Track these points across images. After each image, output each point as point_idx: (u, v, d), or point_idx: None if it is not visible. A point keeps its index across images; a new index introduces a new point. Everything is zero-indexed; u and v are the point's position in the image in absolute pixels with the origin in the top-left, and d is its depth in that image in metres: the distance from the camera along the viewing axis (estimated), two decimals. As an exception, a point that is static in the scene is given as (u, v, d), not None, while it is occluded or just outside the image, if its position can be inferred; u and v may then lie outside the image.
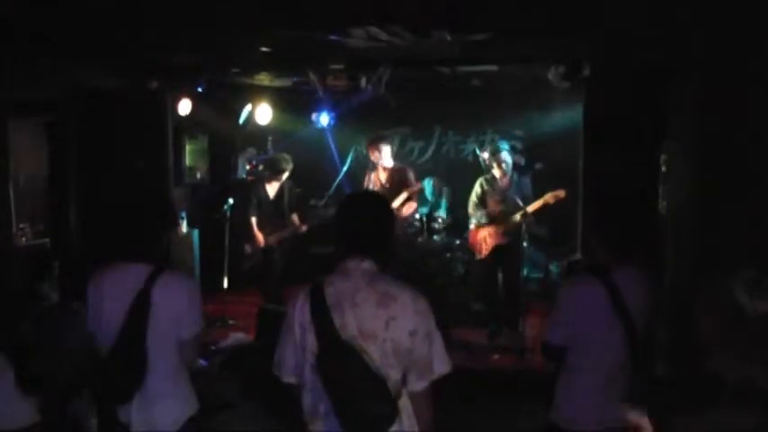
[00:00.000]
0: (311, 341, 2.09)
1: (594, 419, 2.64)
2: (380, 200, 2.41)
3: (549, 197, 5.76)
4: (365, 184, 6.43)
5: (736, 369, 1.42)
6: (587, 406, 2.66)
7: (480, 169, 6.37)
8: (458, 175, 7.43)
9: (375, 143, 6.30)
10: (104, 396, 2.68)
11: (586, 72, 5.29)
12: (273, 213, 6.54)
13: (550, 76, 5.52)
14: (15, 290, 3.14)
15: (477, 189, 6.21)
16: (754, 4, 3.40)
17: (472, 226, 6.29)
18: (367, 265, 2.16)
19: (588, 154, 5.35)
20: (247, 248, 6.55)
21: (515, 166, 6.21)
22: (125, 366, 2.54)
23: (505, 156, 6.05)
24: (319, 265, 7.03)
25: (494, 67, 5.95)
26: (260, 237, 6.46)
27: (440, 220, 7.02)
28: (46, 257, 3.34)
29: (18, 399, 2.81)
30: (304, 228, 6.53)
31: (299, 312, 2.14)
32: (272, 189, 6.57)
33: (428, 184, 6.94)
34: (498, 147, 6.15)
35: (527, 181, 6.19)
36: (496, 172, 6.05)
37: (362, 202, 2.42)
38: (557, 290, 2.83)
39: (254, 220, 6.48)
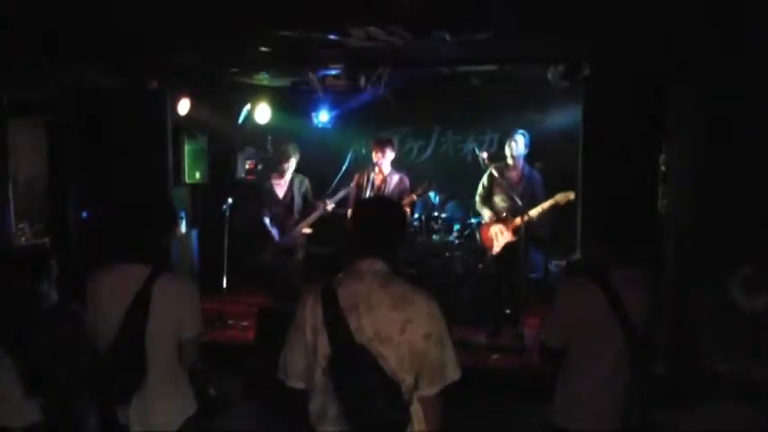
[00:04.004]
0: (323, 344, 2.06)
1: (594, 420, 2.64)
2: (394, 204, 2.49)
3: (560, 197, 5.69)
4: (356, 182, 6.37)
5: (732, 364, 1.43)
6: (587, 406, 2.66)
7: (479, 168, 6.36)
8: (457, 175, 7.42)
9: (381, 145, 6.18)
10: (103, 396, 2.68)
11: (586, 72, 5.29)
12: (286, 214, 6.52)
13: (550, 76, 5.52)
14: (14, 290, 3.14)
15: (484, 181, 6.15)
16: (754, 5, 3.41)
17: (482, 220, 6.26)
18: (379, 266, 2.14)
19: (588, 154, 5.36)
20: (265, 256, 6.46)
21: (527, 159, 6.10)
22: (123, 367, 2.54)
23: (518, 137, 5.96)
24: (319, 265, 7.00)
25: (493, 67, 5.95)
26: (275, 233, 6.41)
27: (439, 221, 7.02)
28: (45, 257, 3.34)
29: (21, 397, 2.81)
30: (330, 207, 6.37)
31: (311, 315, 2.11)
32: (280, 188, 6.54)
33: (434, 197, 6.93)
34: (514, 134, 6.02)
35: (538, 177, 6.09)
36: (508, 158, 5.99)
37: (377, 205, 2.49)
38: (556, 290, 2.83)
39: (267, 220, 6.43)
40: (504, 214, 5.99)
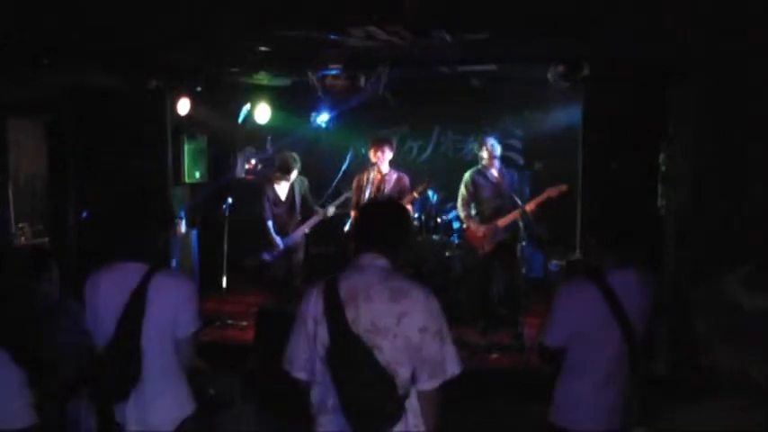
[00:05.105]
0: (323, 335, 2.11)
1: (594, 420, 2.64)
2: (397, 204, 2.59)
3: (551, 191, 5.79)
4: (356, 183, 6.38)
5: (732, 363, 1.43)
6: (587, 406, 2.66)
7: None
8: (456, 175, 7.41)
9: (380, 144, 6.23)
10: (101, 395, 2.68)
11: (586, 72, 5.30)
12: (289, 214, 6.52)
13: (550, 75, 5.53)
14: (14, 289, 3.14)
15: (467, 183, 6.25)
16: (754, 5, 3.41)
17: (465, 224, 6.33)
18: (381, 262, 2.20)
19: (587, 154, 5.36)
20: (266, 257, 6.44)
21: (503, 160, 6.32)
22: (120, 365, 2.54)
23: (492, 140, 6.20)
24: (319, 265, 6.98)
25: (493, 67, 5.96)
26: (279, 242, 6.42)
27: (439, 220, 7.03)
28: (45, 257, 3.35)
29: (18, 399, 2.81)
30: (330, 213, 6.44)
31: (313, 306, 2.17)
32: (282, 190, 6.54)
33: (433, 196, 6.96)
34: (482, 139, 6.29)
35: (515, 175, 6.28)
36: (485, 160, 6.10)
37: (381, 204, 2.68)
38: (556, 290, 2.83)
39: (270, 224, 6.43)
40: (493, 211, 6.10)
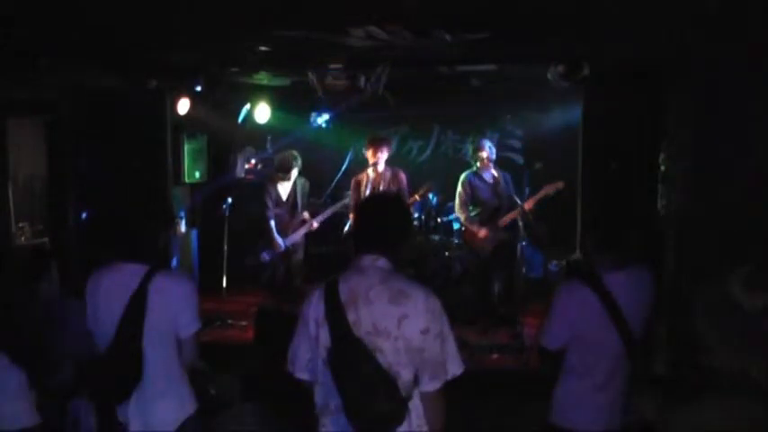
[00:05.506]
0: (324, 337, 2.11)
1: (594, 420, 2.64)
2: (395, 201, 2.52)
3: (548, 188, 5.80)
4: (353, 184, 6.41)
5: (731, 361, 1.43)
6: (587, 406, 2.66)
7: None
8: (456, 175, 7.42)
9: (377, 144, 6.25)
10: (102, 395, 2.68)
11: (586, 72, 5.30)
12: (291, 214, 6.53)
13: (549, 75, 5.53)
14: (14, 289, 3.14)
15: (464, 184, 6.27)
16: (754, 5, 3.41)
17: (464, 225, 6.33)
18: (382, 263, 2.18)
19: (587, 154, 5.36)
20: (265, 256, 6.44)
21: (502, 161, 6.41)
22: (121, 365, 2.55)
23: (488, 141, 6.27)
24: (319, 264, 6.99)
25: (493, 67, 5.96)
26: (280, 242, 6.43)
27: (439, 220, 7.03)
28: (45, 257, 3.35)
29: (20, 399, 2.81)
30: (315, 225, 6.48)
31: (314, 308, 2.16)
32: (283, 189, 6.55)
33: (432, 198, 6.97)
34: (479, 142, 6.33)
35: (508, 176, 6.30)
36: (481, 162, 6.12)
37: (378, 202, 2.55)
38: (555, 291, 2.82)
39: (272, 223, 6.43)
40: (492, 212, 6.12)
